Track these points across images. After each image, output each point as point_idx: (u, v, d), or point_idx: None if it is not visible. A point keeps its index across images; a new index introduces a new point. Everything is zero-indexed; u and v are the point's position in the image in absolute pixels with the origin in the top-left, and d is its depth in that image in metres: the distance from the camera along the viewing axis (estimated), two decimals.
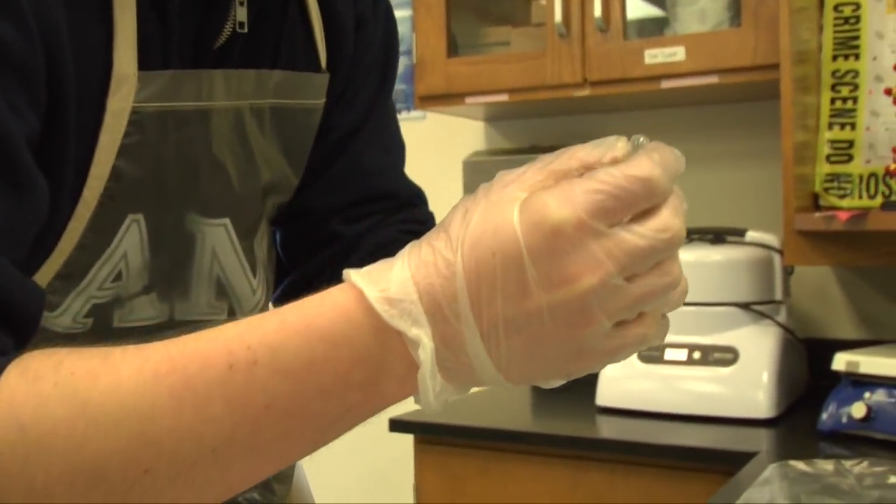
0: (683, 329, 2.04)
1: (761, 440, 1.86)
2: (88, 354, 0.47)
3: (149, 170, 0.62)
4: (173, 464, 0.45)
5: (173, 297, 0.67)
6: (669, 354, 2.03)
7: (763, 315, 2.02)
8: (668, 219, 0.46)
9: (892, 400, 1.72)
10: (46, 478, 0.44)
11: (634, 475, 1.82)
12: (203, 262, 0.68)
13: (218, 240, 0.68)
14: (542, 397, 2.41)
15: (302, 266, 0.82)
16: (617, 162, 0.46)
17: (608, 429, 2.01)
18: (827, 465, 1.34)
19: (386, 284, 0.46)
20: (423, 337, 0.46)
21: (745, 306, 2.02)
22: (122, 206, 0.61)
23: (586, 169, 0.47)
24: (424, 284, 0.46)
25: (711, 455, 1.76)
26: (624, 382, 2.06)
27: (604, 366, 0.49)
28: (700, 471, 1.76)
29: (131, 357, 0.46)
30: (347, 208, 0.81)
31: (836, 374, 1.83)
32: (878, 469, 1.31)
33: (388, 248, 0.76)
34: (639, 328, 0.48)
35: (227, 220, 0.69)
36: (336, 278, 0.79)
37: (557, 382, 0.50)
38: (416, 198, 0.86)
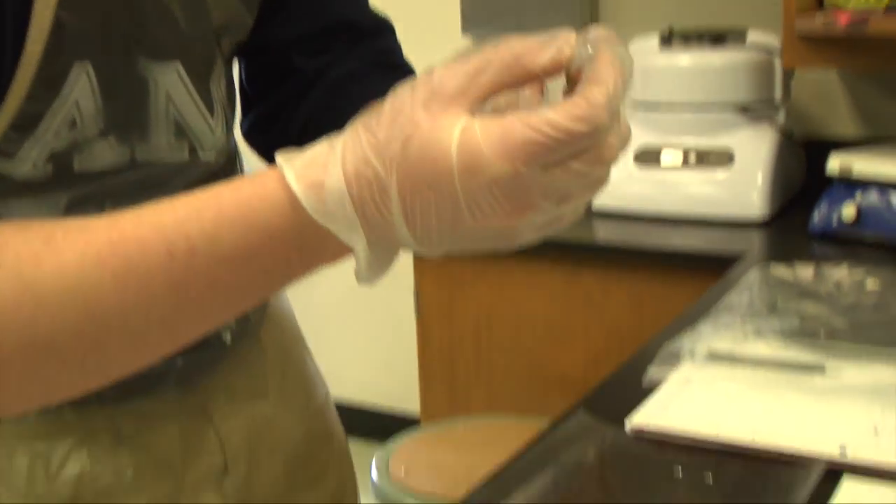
0: (680, 132, 2.04)
1: (753, 242, 1.89)
2: (33, 236, 0.49)
3: (91, 17, 0.61)
4: (123, 335, 0.48)
5: (132, 140, 0.68)
6: (665, 157, 2.03)
7: (761, 117, 2.01)
8: (601, 151, 0.47)
9: (883, 201, 1.73)
10: (7, 362, 0.47)
11: (627, 278, 1.87)
12: (158, 106, 0.68)
13: (171, 83, 0.68)
14: None
15: (266, 99, 0.82)
16: (562, 66, 0.47)
17: (603, 232, 2.04)
18: (807, 271, 1.37)
19: (321, 192, 0.47)
20: (357, 243, 0.48)
21: (742, 109, 2.00)
22: (68, 56, 0.60)
23: (530, 77, 0.47)
24: (359, 198, 0.47)
25: (700, 258, 1.80)
26: (620, 185, 2.07)
27: (536, 238, 0.52)
28: (690, 273, 1.80)
29: (73, 240, 0.48)
30: (306, 41, 0.79)
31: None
32: (857, 274, 1.34)
33: (350, 83, 0.78)
34: (565, 208, 0.50)
35: (178, 64, 0.69)
36: (298, 112, 0.81)
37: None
38: (379, 27, 0.83)
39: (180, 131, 0.70)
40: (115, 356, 0.50)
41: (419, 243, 0.48)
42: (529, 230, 0.49)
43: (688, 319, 1.27)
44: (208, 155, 0.73)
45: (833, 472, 0.89)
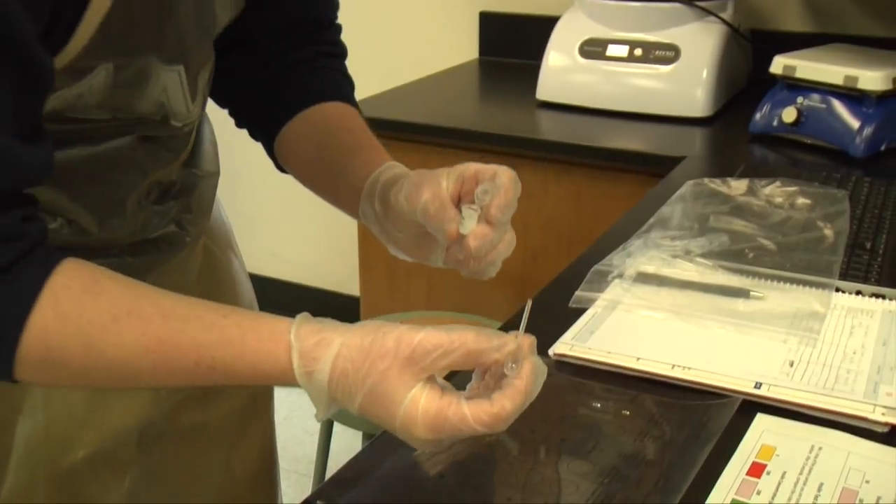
0: (626, 25, 2.00)
1: (695, 141, 1.89)
2: (105, 308, 0.65)
3: (125, 28, 0.70)
4: (147, 386, 0.72)
5: (121, 110, 0.78)
6: (611, 50, 2.00)
7: (708, 12, 1.97)
8: (499, 424, 0.68)
9: (824, 105, 1.73)
10: (60, 377, 0.67)
11: (566, 175, 1.86)
12: (153, 94, 0.79)
13: (171, 80, 0.80)
14: (486, 92, 2.40)
15: (224, 58, 0.92)
16: (498, 362, 0.68)
17: (546, 125, 2.02)
18: (740, 185, 1.37)
19: (310, 377, 0.67)
20: (320, 412, 0.69)
21: (689, 2, 1.96)
22: (99, 59, 0.71)
23: (472, 357, 0.67)
24: (335, 390, 0.67)
25: (642, 158, 1.79)
26: (565, 75, 2.04)
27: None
28: (630, 172, 1.79)
29: (133, 328, 0.65)
30: (276, 28, 0.93)
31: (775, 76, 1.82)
32: (789, 189, 1.35)
33: (302, 66, 0.94)
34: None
35: (181, 67, 0.80)
36: (252, 82, 0.96)
37: None
38: (331, 19, 0.98)
39: (162, 109, 0.81)
40: (128, 389, 0.85)
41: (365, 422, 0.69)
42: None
43: (620, 232, 1.27)
44: (178, 124, 0.85)
45: (748, 406, 0.91)
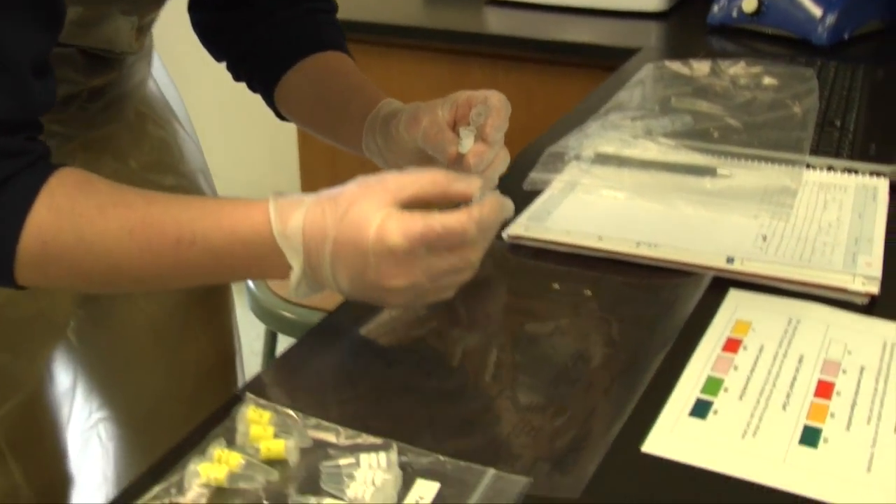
0: None
1: (650, 35, 1.80)
2: (93, 202, 0.68)
3: None
4: (132, 282, 0.72)
5: (70, 38, 0.82)
6: None
7: None
8: (468, 254, 0.69)
9: None
10: (56, 273, 0.69)
11: (516, 71, 1.76)
12: (104, 34, 0.85)
13: (125, 25, 0.87)
14: None
15: (215, 12, 0.98)
16: (465, 194, 0.70)
17: (494, 22, 1.92)
18: (703, 66, 1.29)
19: (286, 223, 0.68)
20: (295, 264, 0.68)
21: None
22: (73, 2, 0.75)
23: (441, 186, 0.69)
24: (308, 238, 0.67)
25: (593, 50, 1.70)
26: None
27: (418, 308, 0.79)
28: (582, 67, 1.71)
29: (118, 214, 0.67)
30: None
31: None
32: (754, 69, 1.27)
33: (297, 20, 0.98)
34: (439, 294, 0.70)
35: (135, 18, 0.87)
36: (245, 36, 0.98)
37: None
38: None
39: (109, 44, 0.87)
40: (124, 288, 0.87)
41: (336, 284, 0.69)
42: (407, 296, 0.69)
43: (575, 119, 1.19)
44: (121, 53, 0.91)
45: (720, 283, 0.84)
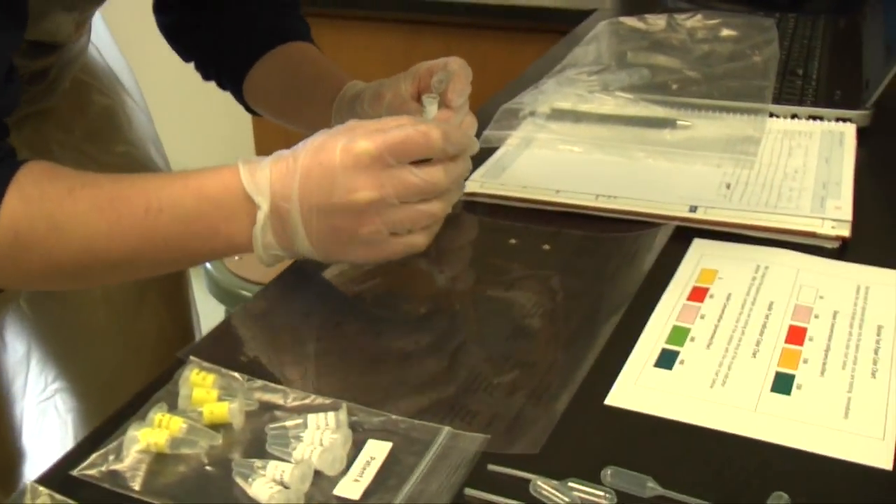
0: None
1: None
2: (60, 185, 0.67)
3: None
4: (105, 265, 0.68)
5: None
6: None
7: None
8: (437, 172, 0.66)
9: None
10: (30, 266, 0.67)
11: (469, 39, 1.72)
12: (44, 28, 0.83)
13: (63, 21, 0.85)
14: None
15: (182, 9, 0.97)
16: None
17: None
18: (659, 21, 1.25)
19: (254, 173, 0.66)
20: (263, 203, 0.66)
21: None
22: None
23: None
24: (276, 172, 0.66)
25: (547, 14, 1.66)
26: None
27: (388, 257, 0.68)
28: (536, 31, 1.66)
29: (86, 194, 0.66)
30: None
31: None
32: (711, 22, 1.23)
33: (261, 14, 0.97)
34: (409, 238, 0.68)
35: (77, 12, 0.86)
36: (211, 32, 0.98)
37: (358, 262, 0.73)
38: None
39: (48, 36, 0.85)
40: (96, 277, 0.75)
41: (303, 217, 0.66)
42: (377, 224, 0.66)
43: (530, 78, 1.15)
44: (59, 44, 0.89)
45: (683, 233, 0.80)
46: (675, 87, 1.07)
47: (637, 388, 0.61)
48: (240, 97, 0.99)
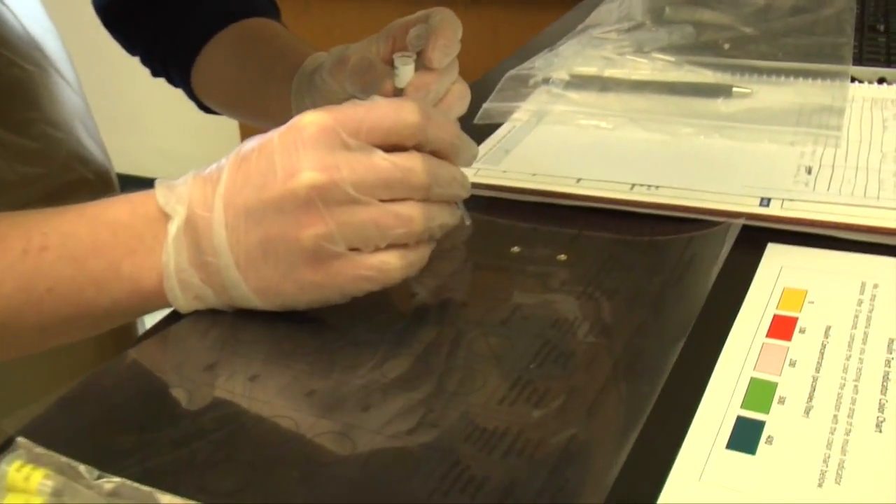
0: None
1: None
2: None
3: None
4: None
5: None
6: None
7: None
8: (414, 160, 0.48)
9: None
10: None
11: (477, 5, 1.50)
12: None
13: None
14: None
15: None
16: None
17: None
18: None
19: (176, 183, 0.50)
20: (177, 211, 0.49)
21: None
22: None
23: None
24: (200, 178, 0.50)
25: None
26: None
27: (344, 296, 0.49)
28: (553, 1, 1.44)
29: None
30: None
31: None
32: None
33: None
34: (379, 256, 0.48)
35: None
36: (152, 13, 0.82)
37: (303, 302, 0.50)
38: None
39: None
40: None
41: (228, 230, 0.48)
42: (310, 270, 0.48)
43: (541, 44, 0.93)
44: None
45: (751, 235, 0.58)
46: (727, 47, 0.85)
47: (703, 488, 0.39)
48: (189, 90, 0.83)
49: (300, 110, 0.69)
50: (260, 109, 0.77)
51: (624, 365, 0.47)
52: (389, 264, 0.49)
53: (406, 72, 0.56)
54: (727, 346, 0.48)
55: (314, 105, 0.66)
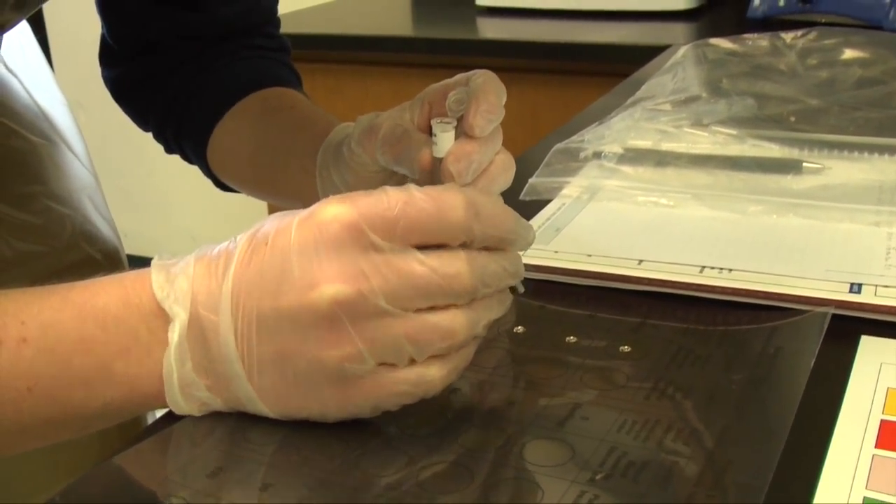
0: None
1: (677, 36, 1.49)
2: None
3: None
4: None
5: None
6: None
7: None
8: (458, 262, 0.41)
9: None
10: None
11: (518, 83, 1.45)
12: None
13: None
14: (419, 4, 2.00)
15: (133, 61, 0.77)
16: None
17: (490, 30, 1.62)
18: (760, 41, 0.97)
19: (174, 267, 0.44)
20: (179, 312, 0.43)
21: None
22: None
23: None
24: (202, 267, 0.44)
25: (612, 52, 1.39)
26: None
27: (375, 410, 0.43)
28: (597, 75, 1.39)
29: None
30: (193, 27, 0.76)
31: None
32: (830, 42, 0.95)
33: (229, 59, 0.76)
34: (416, 370, 0.42)
35: None
36: (168, 83, 0.77)
37: (330, 418, 0.43)
38: (270, 21, 0.81)
39: None
40: None
41: (238, 337, 0.42)
42: (335, 391, 0.42)
43: (592, 116, 0.87)
44: None
45: (841, 326, 0.51)
46: (793, 120, 0.78)
47: None
48: (205, 166, 0.77)
49: (326, 187, 0.63)
50: (281, 187, 0.71)
51: (709, 480, 0.39)
52: (429, 376, 0.42)
53: (446, 139, 0.50)
54: (829, 459, 0.40)
55: (342, 180, 0.60)
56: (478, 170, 0.52)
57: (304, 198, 0.67)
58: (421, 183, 0.51)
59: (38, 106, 0.86)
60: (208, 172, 0.79)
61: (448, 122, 0.50)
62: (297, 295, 0.41)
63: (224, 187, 0.80)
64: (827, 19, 1.36)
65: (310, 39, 1.58)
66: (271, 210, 1.75)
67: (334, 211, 0.41)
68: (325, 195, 0.59)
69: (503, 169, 0.53)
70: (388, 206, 0.41)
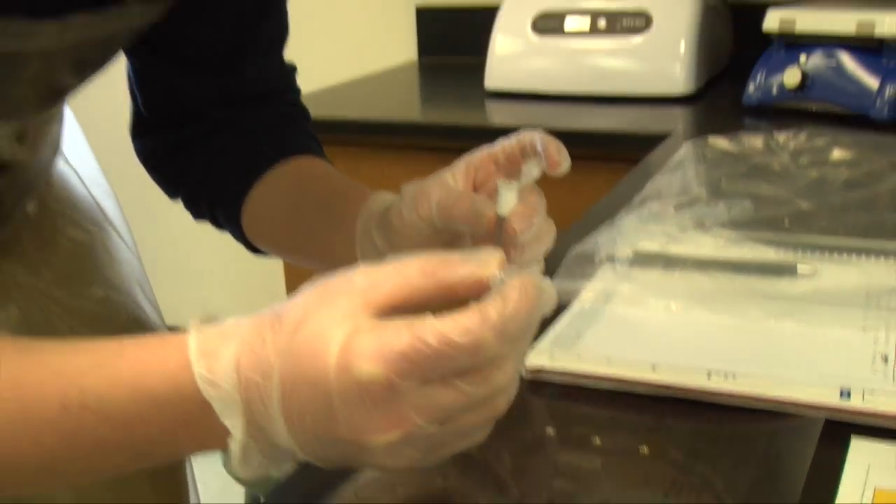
0: None
1: (676, 121, 1.57)
2: None
3: None
4: (14, 474, 0.49)
5: None
6: (570, 24, 1.69)
7: None
8: (492, 376, 0.45)
9: (833, 62, 1.42)
10: None
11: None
12: None
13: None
14: (429, 88, 2.09)
15: (165, 130, 0.81)
16: (480, 286, 0.46)
17: (498, 116, 1.70)
18: (755, 141, 1.05)
19: (213, 362, 0.46)
20: (235, 428, 0.46)
21: None
22: None
23: (443, 288, 0.46)
24: (246, 381, 0.46)
25: (615, 139, 1.47)
26: (516, 60, 1.72)
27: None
28: (601, 160, 1.47)
29: None
30: (220, 98, 0.81)
31: (767, 39, 1.52)
32: (819, 142, 1.03)
33: (257, 128, 0.81)
34: (457, 441, 0.47)
35: (15, 122, 0.70)
36: (201, 154, 0.82)
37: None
38: (289, 81, 0.86)
39: None
40: (7, 490, 0.50)
41: (298, 445, 0.46)
42: (413, 450, 0.45)
43: (602, 213, 0.94)
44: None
45: (833, 429, 0.57)
46: (787, 223, 0.86)
47: None
48: (239, 234, 0.81)
49: (366, 252, 0.69)
50: (317, 252, 0.76)
51: None
52: (475, 435, 0.47)
53: (510, 198, 0.57)
54: None
55: (386, 243, 0.65)
56: (535, 231, 0.60)
57: (339, 262, 0.71)
58: (477, 242, 0.61)
59: (92, 196, 0.92)
60: (241, 237, 0.82)
61: (512, 185, 0.57)
62: (347, 432, 0.44)
63: (255, 250, 0.83)
64: (817, 107, 1.44)
65: (318, 124, 1.67)
66: (287, 280, 1.81)
67: (368, 370, 0.43)
68: (364, 258, 0.69)
69: (549, 234, 0.62)
70: (420, 351, 0.43)
